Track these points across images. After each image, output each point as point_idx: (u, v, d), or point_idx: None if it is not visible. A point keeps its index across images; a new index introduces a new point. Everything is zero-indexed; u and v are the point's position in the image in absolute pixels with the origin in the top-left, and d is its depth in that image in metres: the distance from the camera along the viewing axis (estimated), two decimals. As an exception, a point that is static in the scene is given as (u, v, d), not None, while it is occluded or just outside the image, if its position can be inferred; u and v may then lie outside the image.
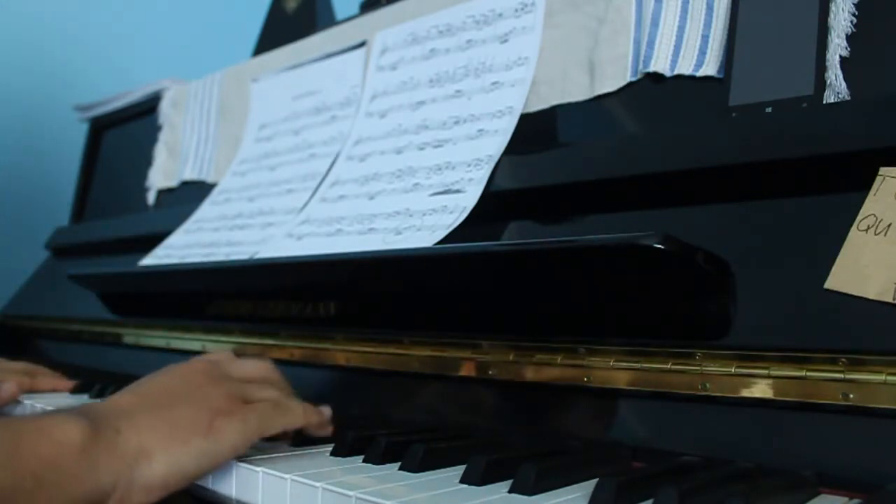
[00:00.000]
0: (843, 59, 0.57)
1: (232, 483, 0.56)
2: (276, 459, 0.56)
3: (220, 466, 0.55)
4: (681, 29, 0.67)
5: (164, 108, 1.29)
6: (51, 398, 0.90)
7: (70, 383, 0.96)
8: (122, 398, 0.56)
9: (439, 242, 0.68)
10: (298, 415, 0.60)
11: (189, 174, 1.21)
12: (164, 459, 0.52)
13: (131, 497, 0.51)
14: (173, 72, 1.37)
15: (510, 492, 0.47)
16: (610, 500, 0.43)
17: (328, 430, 0.62)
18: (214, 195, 1.08)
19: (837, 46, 0.57)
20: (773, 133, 0.57)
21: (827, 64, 0.57)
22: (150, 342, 1.06)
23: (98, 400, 0.87)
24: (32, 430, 0.49)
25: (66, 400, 0.89)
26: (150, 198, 1.28)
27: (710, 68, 0.64)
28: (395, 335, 0.72)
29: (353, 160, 0.89)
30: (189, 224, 1.06)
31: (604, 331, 0.58)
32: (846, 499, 0.46)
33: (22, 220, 1.63)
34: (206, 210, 1.06)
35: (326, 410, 0.63)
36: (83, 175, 1.52)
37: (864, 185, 0.51)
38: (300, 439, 0.62)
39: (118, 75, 1.66)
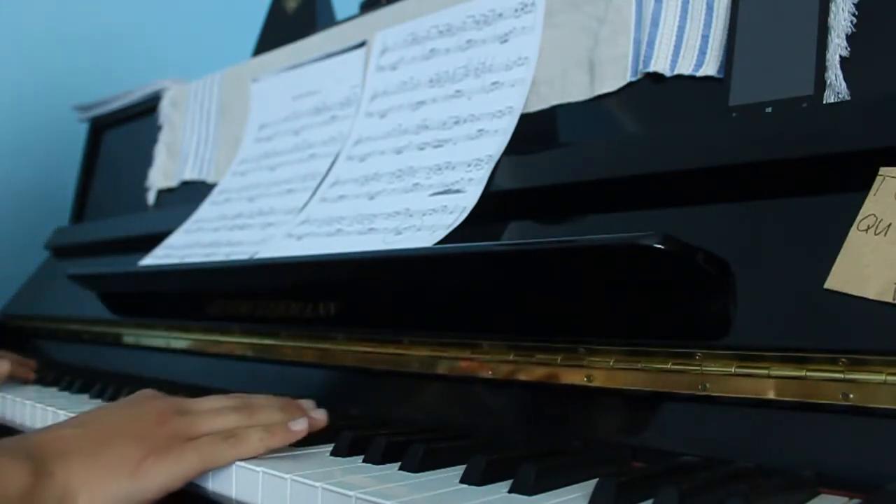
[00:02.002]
0: (843, 59, 0.57)
1: (232, 483, 0.56)
2: (276, 459, 0.56)
3: (149, 503, 0.56)
4: (681, 29, 0.67)
5: (164, 108, 1.29)
6: (52, 399, 0.90)
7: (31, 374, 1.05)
8: (66, 431, 0.58)
9: (439, 242, 0.68)
10: (253, 446, 0.57)
11: (189, 174, 1.21)
12: (87, 499, 0.53)
13: None
14: (173, 72, 1.37)
15: (510, 492, 0.47)
16: (610, 500, 0.43)
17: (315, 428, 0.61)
18: (214, 195, 1.08)
19: (837, 46, 0.57)
20: (773, 133, 0.57)
21: (827, 64, 0.57)
22: (150, 342, 1.06)
23: (97, 402, 0.88)
24: None
25: (65, 401, 0.89)
26: (150, 198, 1.28)
27: (710, 68, 0.64)
28: (395, 335, 0.72)
29: (353, 160, 0.89)
30: (189, 224, 1.06)
31: (604, 331, 0.58)
32: (846, 499, 0.46)
33: (22, 220, 1.63)
34: (206, 210, 1.06)
35: (298, 426, 0.60)
36: (83, 175, 1.52)
37: (864, 185, 0.51)
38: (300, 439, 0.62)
39: (118, 75, 1.65)
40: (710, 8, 0.66)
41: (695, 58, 0.65)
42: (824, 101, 0.57)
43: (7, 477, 0.51)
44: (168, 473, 0.55)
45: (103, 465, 0.55)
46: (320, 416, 0.62)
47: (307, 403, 0.65)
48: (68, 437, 0.57)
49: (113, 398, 0.86)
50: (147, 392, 0.64)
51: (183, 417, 0.59)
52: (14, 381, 1.02)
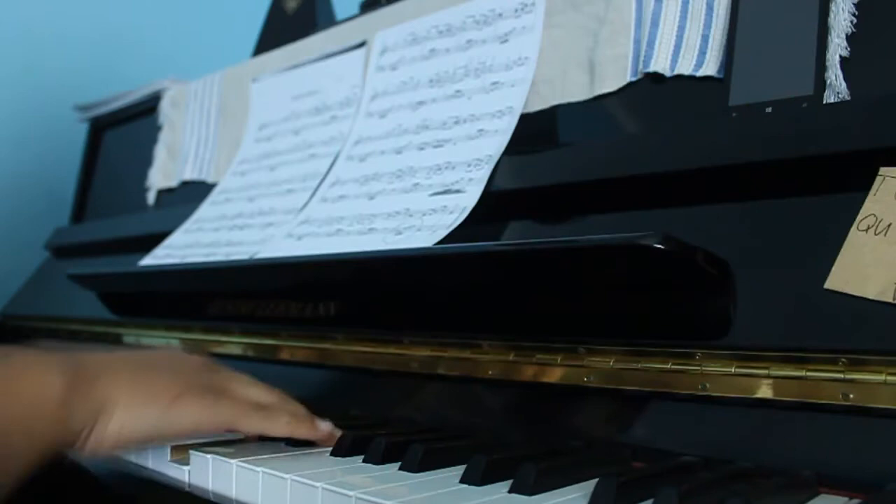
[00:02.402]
0: (843, 59, 0.57)
1: (232, 483, 0.56)
2: (276, 459, 0.56)
3: (174, 439, 0.57)
4: (681, 29, 0.67)
5: (164, 108, 1.29)
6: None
7: None
8: (114, 355, 0.59)
9: (439, 242, 0.68)
10: (280, 425, 0.59)
11: (189, 174, 1.21)
12: (122, 416, 0.54)
13: (87, 444, 0.54)
14: (173, 72, 1.37)
15: (510, 492, 0.47)
16: (610, 500, 0.43)
17: (328, 444, 0.61)
18: (214, 195, 1.08)
19: (837, 46, 0.57)
20: (773, 133, 0.57)
21: (827, 64, 0.57)
22: (150, 342, 1.06)
23: None
24: (24, 382, 0.52)
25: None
26: (150, 198, 1.28)
27: (710, 68, 0.64)
28: (395, 335, 0.72)
29: (353, 160, 0.89)
30: (189, 224, 1.06)
31: (604, 331, 0.58)
32: (846, 499, 0.46)
33: (22, 220, 1.63)
34: (206, 210, 1.06)
35: (324, 425, 0.61)
36: (83, 175, 1.52)
37: (864, 185, 0.51)
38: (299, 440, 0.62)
39: (118, 75, 1.65)
40: (710, 8, 0.66)
41: (695, 58, 0.65)
42: (824, 101, 0.57)
43: (53, 377, 0.52)
44: (202, 413, 0.56)
45: (145, 390, 0.56)
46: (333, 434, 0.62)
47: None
48: (116, 359, 0.58)
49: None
50: (180, 352, 0.66)
51: (221, 375, 0.61)
52: None
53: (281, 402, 0.62)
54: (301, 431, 0.60)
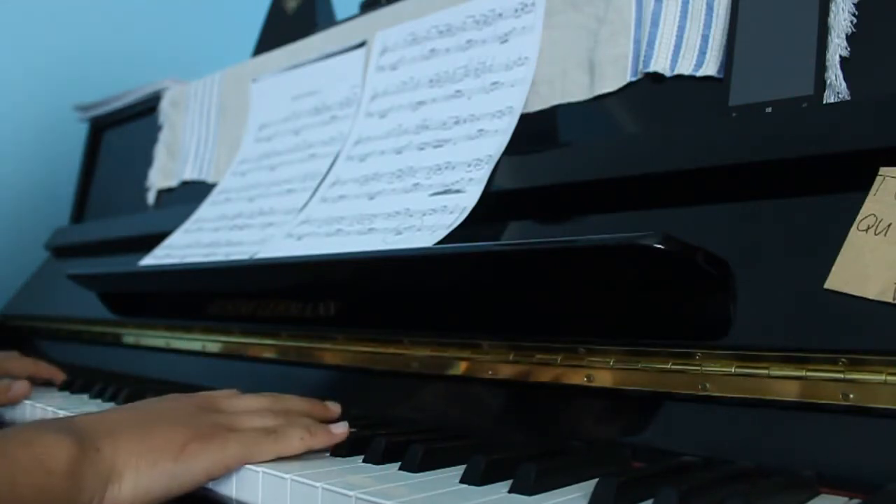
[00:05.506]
0: (843, 59, 0.57)
1: (232, 483, 0.56)
2: (276, 459, 0.56)
3: (191, 489, 0.56)
4: (681, 29, 0.67)
5: (164, 108, 1.30)
6: (51, 398, 0.90)
7: (62, 376, 1.01)
8: (112, 414, 0.59)
9: (439, 242, 0.68)
10: (294, 444, 0.58)
11: (189, 174, 1.21)
12: (132, 481, 0.54)
13: None
14: (173, 72, 1.37)
15: (510, 492, 0.47)
16: (610, 500, 0.43)
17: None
18: (214, 195, 1.08)
19: (837, 46, 0.57)
20: (773, 133, 0.57)
21: (827, 64, 0.57)
22: (150, 342, 1.06)
23: (97, 402, 0.87)
24: (27, 458, 0.51)
25: (64, 400, 0.89)
26: (150, 198, 1.28)
27: (710, 68, 0.64)
28: (395, 335, 0.72)
29: (353, 160, 0.89)
30: (189, 224, 1.06)
31: (604, 331, 0.58)
32: (846, 499, 0.46)
33: (22, 220, 1.63)
34: (205, 210, 1.06)
35: (340, 428, 0.60)
36: (83, 175, 1.52)
37: (864, 185, 0.51)
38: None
39: (118, 75, 1.65)
40: (710, 8, 0.66)
41: (695, 58, 0.65)
42: (824, 101, 0.57)
43: (55, 450, 0.51)
44: (212, 458, 0.55)
45: (149, 445, 0.55)
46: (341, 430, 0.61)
47: (334, 406, 0.67)
48: (114, 419, 0.58)
49: (113, 398, 0.86)
50: (176, 395, 0.65)
51: (223, 413, 0.61)
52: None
53: (288, 415, 0.61)
54: (316, 443, 0.58)
